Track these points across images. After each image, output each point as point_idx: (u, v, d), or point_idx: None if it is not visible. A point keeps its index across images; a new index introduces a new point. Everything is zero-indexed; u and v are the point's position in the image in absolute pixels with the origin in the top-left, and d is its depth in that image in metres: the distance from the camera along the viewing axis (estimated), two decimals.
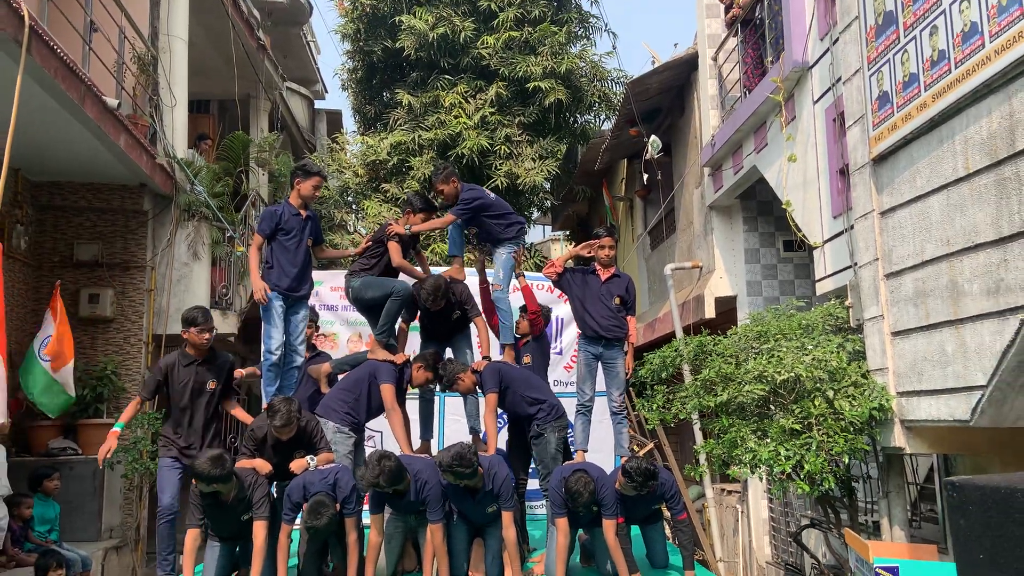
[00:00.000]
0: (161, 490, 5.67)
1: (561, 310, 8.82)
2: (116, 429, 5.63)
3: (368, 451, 6.05)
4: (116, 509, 9.11)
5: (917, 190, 5.06)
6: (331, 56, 69.27)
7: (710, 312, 9.75)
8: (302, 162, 7.21)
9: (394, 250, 6.21)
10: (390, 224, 6.43)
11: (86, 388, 8.86)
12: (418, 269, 6.48)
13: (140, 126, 9.29)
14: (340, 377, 6.35)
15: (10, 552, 6.91)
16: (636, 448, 10.39)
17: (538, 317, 6.80)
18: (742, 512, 9.72)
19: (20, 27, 6.24)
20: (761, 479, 6.49)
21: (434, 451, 6.33)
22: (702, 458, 6.52)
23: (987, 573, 2.65)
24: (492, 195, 6.60)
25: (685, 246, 11.29)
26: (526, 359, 6.65)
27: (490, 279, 6.57)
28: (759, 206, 9.89)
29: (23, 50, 6.22)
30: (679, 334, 9.57)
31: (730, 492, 10.08)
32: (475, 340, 6.53)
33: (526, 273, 7.13)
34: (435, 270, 6.79)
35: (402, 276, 6.35)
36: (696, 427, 8.31)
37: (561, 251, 25.00)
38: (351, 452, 5.91)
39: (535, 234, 25.68)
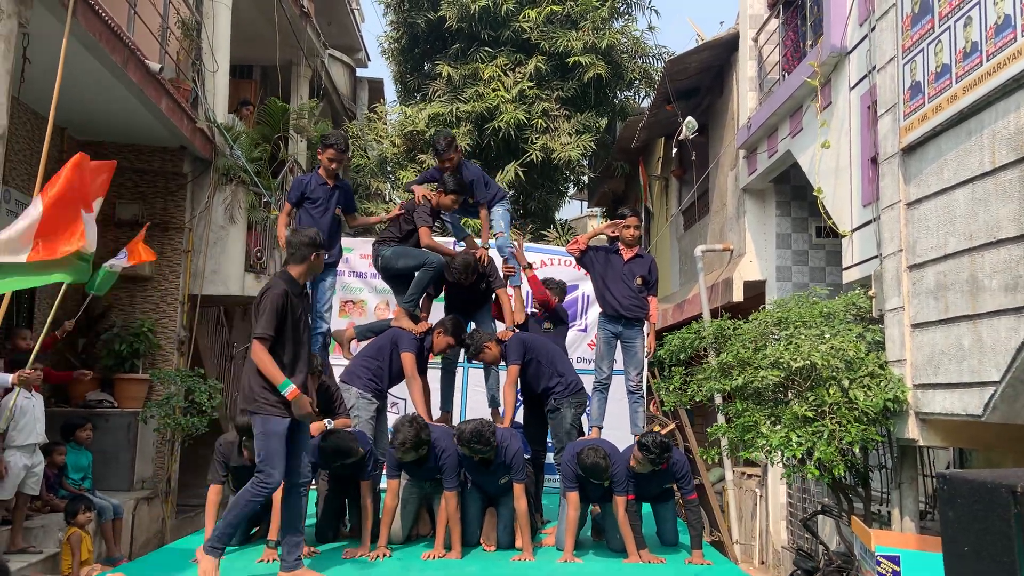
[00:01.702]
0: (278, 459, 4.53)
1: (588, 287, 8.87)
2: (294, 388, 4.45)
3: (391, 418, 6.21)
4: (148, 462, 9.41)
5: (944, 183, 5.02)
6: (374, 24, 69.34)
7: (738, 296, 9.72)
8: (326, 133, 7.33)
9: (424, 233, 6.34)
10: (428, 195, 6.56)
11: (123, 344, 9.15)
12: (448, 247, 6.60)
13: (182, 90, 9.46)
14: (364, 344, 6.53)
15: (44, 497, 7.20)
16: (659, 428, 10.45)
17: (547, 299, 6.87)
18: (761, 496, 9.75)
19: None
20: (772, 464, 6.53)
21: (455, 422, 6.46)
22: (724, 442, 6.57)
23: (971, 565, 2.70)
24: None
25: (717, 228, 11.24)
26: (547, 325, 6.76)
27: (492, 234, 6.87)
28: (793, 191, 9.80)
29: (68, 13, 6.38)
30: (706, 316, 9.57)
31: (750, 476, 10.11)
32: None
33: (549, 247, 7.22)
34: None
35: None
36: (720, 410, 8.35)
37: None
38: (372, 418, 6.08)
39: (571, 210, 25.64)
